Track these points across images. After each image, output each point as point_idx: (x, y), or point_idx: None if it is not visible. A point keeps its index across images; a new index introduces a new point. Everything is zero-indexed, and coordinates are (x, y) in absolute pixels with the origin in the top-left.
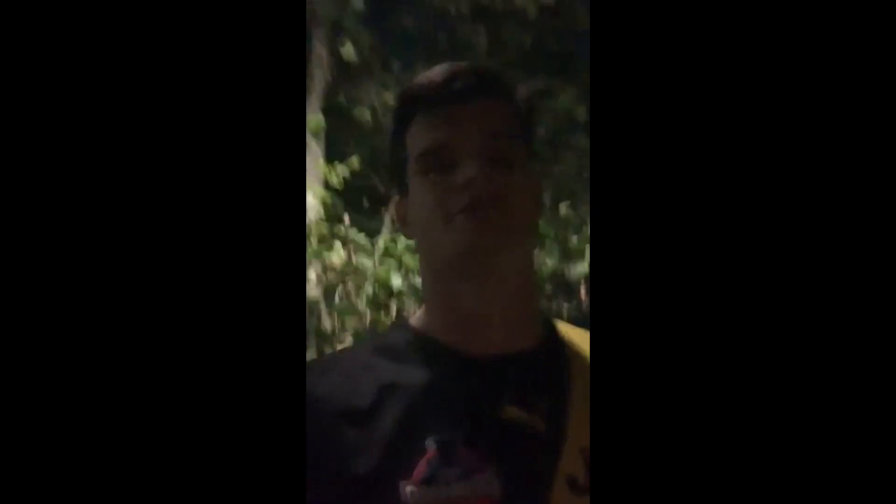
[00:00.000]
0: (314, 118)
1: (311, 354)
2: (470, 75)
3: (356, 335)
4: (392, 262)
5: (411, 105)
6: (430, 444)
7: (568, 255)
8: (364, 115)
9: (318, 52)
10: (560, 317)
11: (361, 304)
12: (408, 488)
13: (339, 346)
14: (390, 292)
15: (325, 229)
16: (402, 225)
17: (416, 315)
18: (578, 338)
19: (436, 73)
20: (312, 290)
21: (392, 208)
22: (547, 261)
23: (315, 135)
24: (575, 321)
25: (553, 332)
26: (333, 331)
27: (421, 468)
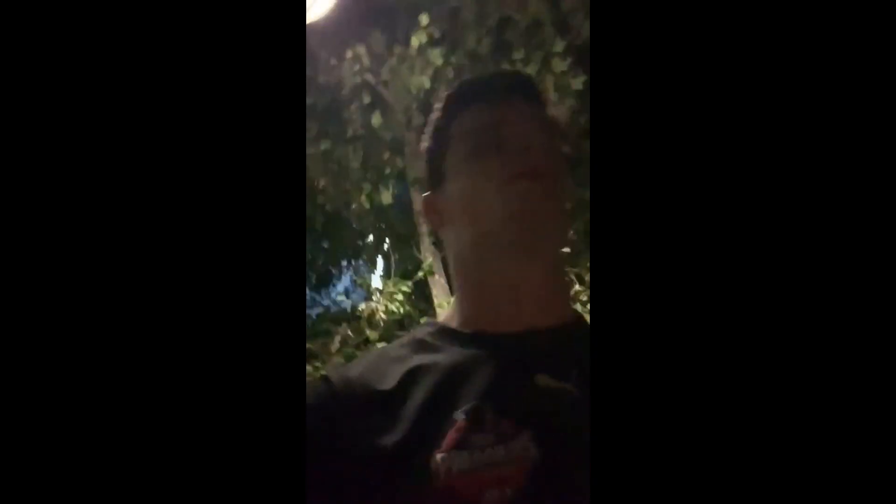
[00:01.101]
0: None
1: None
2: (514, 77)
3: None
4: None
5: (461, 99)
6: (460, 416)
7: None
8: None
9: None
10: None
11: None
12: (438, 455)
13: None
14: None
15: None
16: (434, 218)
17: (445, 313)
18: None
19: (484, 74)
20: None
21: (423, 205)
22: None
23: None
24: None
25: (580, 317)
26: None
27: (452, 437)
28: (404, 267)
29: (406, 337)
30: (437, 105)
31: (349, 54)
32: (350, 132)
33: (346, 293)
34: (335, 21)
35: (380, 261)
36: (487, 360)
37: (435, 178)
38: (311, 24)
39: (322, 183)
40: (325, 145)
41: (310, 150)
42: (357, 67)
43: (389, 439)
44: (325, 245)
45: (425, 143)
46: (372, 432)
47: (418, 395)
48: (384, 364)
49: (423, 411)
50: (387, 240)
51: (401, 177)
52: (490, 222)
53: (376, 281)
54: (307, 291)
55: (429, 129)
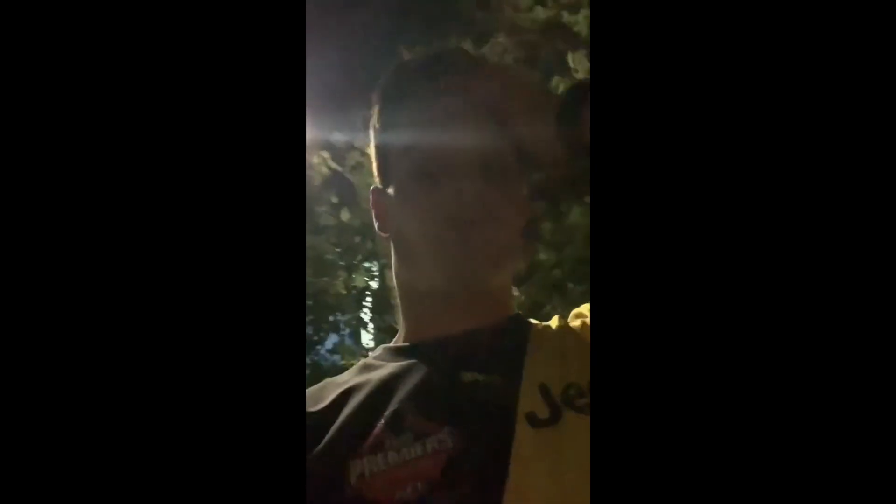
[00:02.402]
0: None
1: None
2: (457, 56)
3: None
4: None
5: (395, 93)
6: (379, 422)
7: None
8: None
9: None
10: None
11: None
12: (353, 461)
13: None
14: None
15: None
16: (379, 216)
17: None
18: (542, 320)
19: (423, 53)
20: None
21: (371, 198)
22: None
23: None
24: None
25: (519, 319)
26: None
27: (368, 443)
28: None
29: (355, 364)
30: (375, 100)
31: (315, 158)
32: (321, 223)
33: (336, 349)
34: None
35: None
36: (419, 366)
37: (382, 175)
38: None
39: None
40: None
41: None
42: (323, 168)
43: (310, 455)
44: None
45: (370, 140)
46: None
47: (346, 412)
48: (326, 389)
49: (346, 425)
50: (366, 312)
51: (373, 258)
52: (427, 275)
53: (366, 338)
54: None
55: (371, 126)
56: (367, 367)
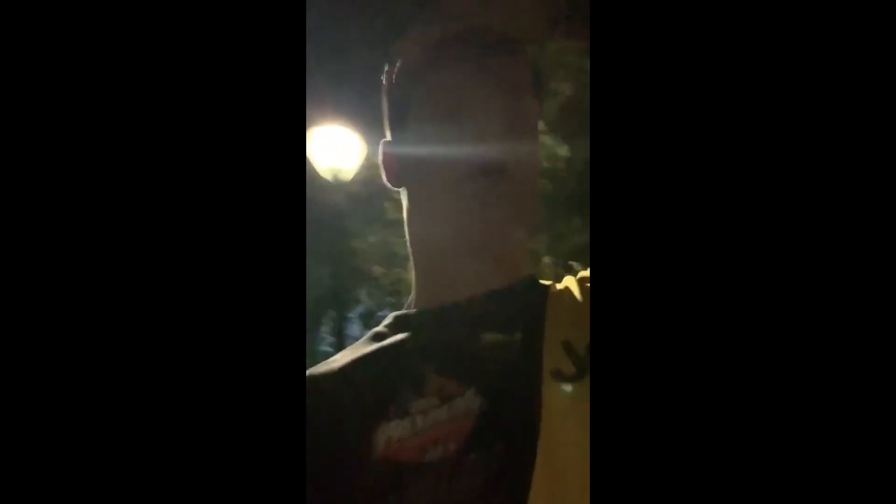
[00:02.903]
0: None
1: None
2: (483, 33)
3: None
4: None
5: (419, 55)
6: (402, 387)
7: None
8: None
9: None
10: None
11: None
12: (379, 429)
13: None
14: None
15: None
16: (388, 173)
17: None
18: (557, 281)
19: (446, 28)
20: None
21: (380, 151)
22: None
23: None
24: None
25: (533, 278)
26: None
27: (392, 408)
28: None
29: (370, 333)
30: (405, 54)
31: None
32: (388, 217)
33: None
34: None
35: None
36: (437, 329)
37: (395, 128)
38: None
39: None
40: None
41: None
42: None
43: (331, 421)
44: None
45: (388, 84)
46: (316, 423)
47: (366, 377)
48: (341, 359)
49: (369, 391)
50: None
51: None
52: (445, 226)
53: None
54: None
55: (386, 77)
56: (380, 336)
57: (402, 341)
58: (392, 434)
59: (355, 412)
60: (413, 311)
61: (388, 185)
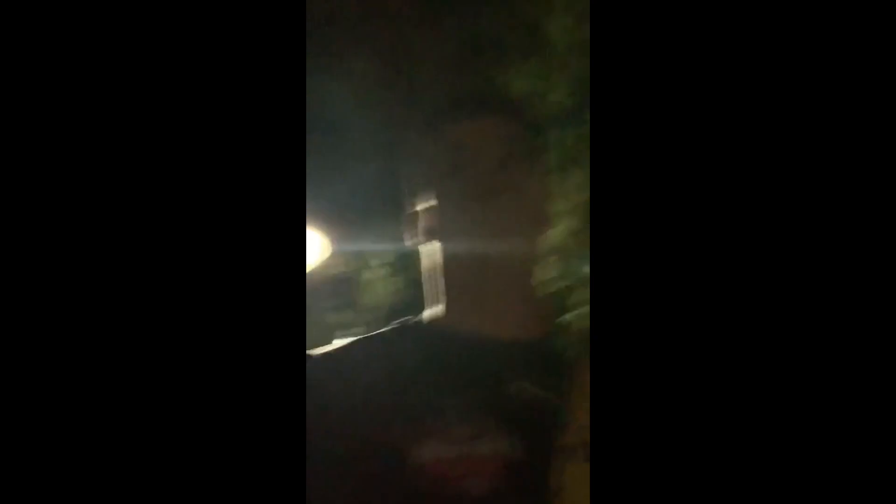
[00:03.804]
0: None
1: None
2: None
3: None
4: None
5: (429, 120)
6: (448, 408)
7: None
8: None
9: None
10: None
11: None
12: (421, 446)
13: None
14: None
15: None
16: (427, 235)
17: (429, 310)
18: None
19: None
20: None
21: (418, 221)
22: None
23: None
24: None
25: (564, 328)
26: None
27: (434, 428)
28: None
29: (390, 330)
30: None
31: None
32: None
33: None
34: None
35: None
36: (477, 362)
37: (423, 194)
38: None
39: None
40: None
41: None
42: None
43: (369, 433)
44: None
45: (404, 170)
46: (348, 428)
47: (393, 387)
48: (366, 351)
49: (402, 406)
50: None
51: None
52: (453, 244)
53: None
54: None
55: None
56: (404, 341)
57: (446, 359)
58: (437, 452)
59: (401, 416)
60: (439, 324)
61: (413, 244)
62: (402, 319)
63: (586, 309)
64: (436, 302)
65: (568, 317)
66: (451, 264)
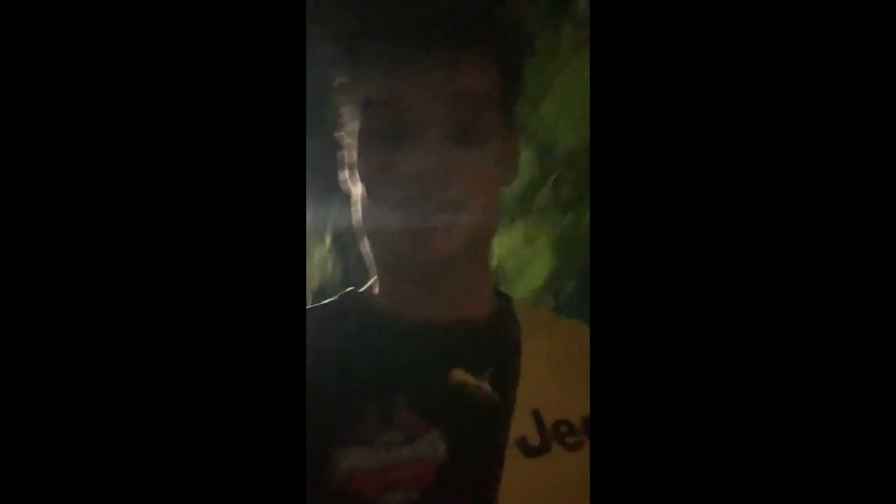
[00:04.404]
0: None
1: None
2: (440, 12)
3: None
4: None
5: (361, 34)
6: (369, 409)
7: None
8: None
9: None
10: None
11: None
12: (340, 449)
13: None
14: None
15: None
16: (346, 169)
17: (371, 281)
18: (533, 316)
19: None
20: None
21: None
22: None
23: None
24: None
25: (507, 306)
26: None
27: (358, 432)
28: None
29: (327, 306)
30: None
31: None
32: None
33: None
34: None
35: None
36: (406, 354)
37: (342, 119)
38: None
39: None
40: None
41: None
42: None
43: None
44: None
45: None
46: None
47: (326, 382)
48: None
49: (328, 402)
50: None
51: None
52: (387, 240)
53: None
54: None
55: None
56: (337, 320)
57: (375, 356)
58: (353, 461)
59: (320, 422)
60: (381, 308)
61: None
62: (330, 300)
63: (535, 283)
64: (368, 277)
65: (514, 292)
66: (375, 233)
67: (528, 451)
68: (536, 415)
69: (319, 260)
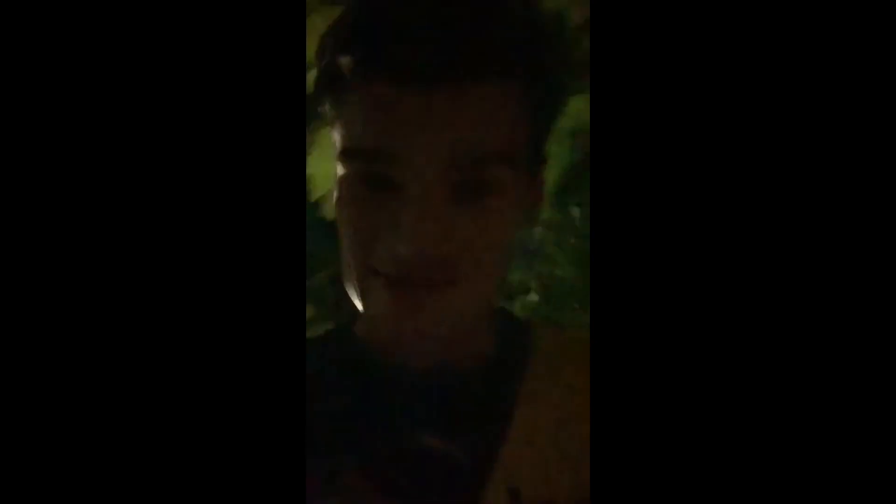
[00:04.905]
0: None
1: None
2: (450, 50)
3: None
4: None
5: (349, 66)
6: (309, 465)
7: None
8: None
9: None
10: None
11: None
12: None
13: None
14: None
15: None
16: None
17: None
18: (559, 347)
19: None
20: None
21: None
22: None
23: None
24: None
25: (512, 344)
26: None
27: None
28: None
29: (315, 343)
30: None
31: None
32: None
33: None
34: None
35: None
36: (374, 403)
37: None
38: None
39: None
40: None
41: None
42: None
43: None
44: None
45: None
46: None
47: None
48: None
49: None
50: None
51: None
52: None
53: None
54: None
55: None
56: (320, 360)
57: (336, 401)
58: None
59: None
60: (357, 344)
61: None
62: (321, 334)
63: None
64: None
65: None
66: (351, 288)
67: None
68: (513, 493)
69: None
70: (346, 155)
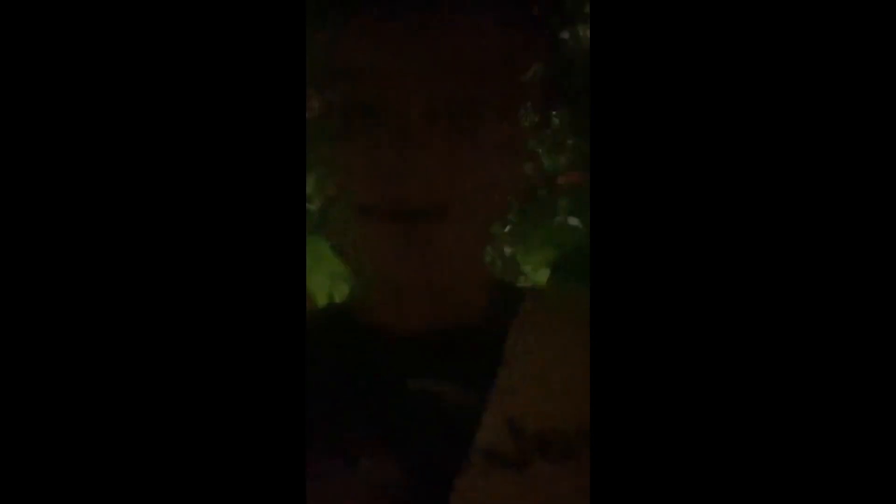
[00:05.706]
0: None
1: None
2: None
3: None
4: None
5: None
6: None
7: None
8: None
9: None
10: None
11: None
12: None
13: None
14: None
15: None
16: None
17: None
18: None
19: None
20: None
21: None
22: None
23: None
24: None
25: (504, 302)
26: None
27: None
28: None
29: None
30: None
31: None
32: None
33: None
34: None
35: None
36: (367, 366)
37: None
38: None
39: None
40: None
41: None
42: None
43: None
44: None
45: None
46: None
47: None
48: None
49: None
50: None
51: None
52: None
53: None
54: None
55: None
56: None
57: (331, 366)
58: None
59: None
60: (350, 316)
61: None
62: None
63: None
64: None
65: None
66: (334, 234)
67: (499, 463)
68: (512, 423)
69: None
70: (329, 79)
